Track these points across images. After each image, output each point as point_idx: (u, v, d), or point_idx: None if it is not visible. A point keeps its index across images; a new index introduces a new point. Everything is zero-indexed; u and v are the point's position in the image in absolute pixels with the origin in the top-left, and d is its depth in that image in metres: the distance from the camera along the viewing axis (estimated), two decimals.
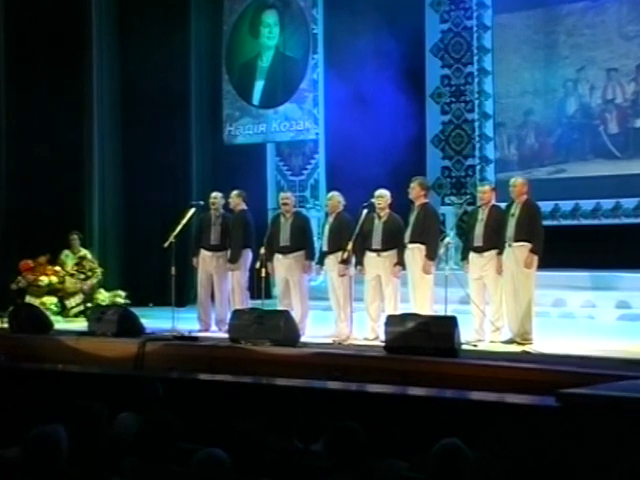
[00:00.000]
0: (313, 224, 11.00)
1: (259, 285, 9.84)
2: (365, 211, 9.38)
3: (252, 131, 14.14)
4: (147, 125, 14.05)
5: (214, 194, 10.61)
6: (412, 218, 9.26)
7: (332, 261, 9.60)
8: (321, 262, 9.81)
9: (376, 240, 9.36)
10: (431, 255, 9.15)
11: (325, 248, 9.70)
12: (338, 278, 9.52)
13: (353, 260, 9.41)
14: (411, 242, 9.20)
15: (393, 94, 12.68)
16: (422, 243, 9.14)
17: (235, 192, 10.48)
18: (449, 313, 8.63)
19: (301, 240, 9.90)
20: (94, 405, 4.57)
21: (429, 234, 9.17)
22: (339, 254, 9.42)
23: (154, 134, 14.08)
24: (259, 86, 14.07)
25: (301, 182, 14.74)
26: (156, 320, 10.62)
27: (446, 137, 14.14)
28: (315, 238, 10.55)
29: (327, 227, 9.73)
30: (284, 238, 9.89)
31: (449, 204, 13.62)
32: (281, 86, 13.82)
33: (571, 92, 12.64)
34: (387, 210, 9.44)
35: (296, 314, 9.45)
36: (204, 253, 10.49)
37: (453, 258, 11.46)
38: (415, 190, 9.32)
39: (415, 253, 9.17)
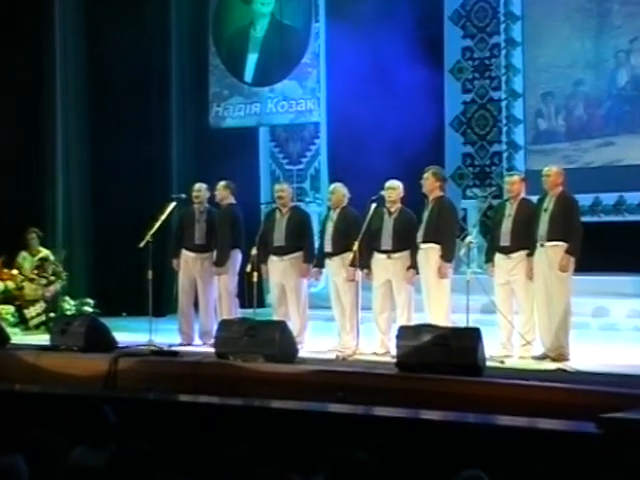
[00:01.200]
0: (313, 221, 10.99)
1: (250, 291, 9.84)
2: (373, 206, 9.37)
3: (243, 112, 14.14)
4: (119, 107, 14.03)
5: (198, 186, 10.61)
6: (426, 214, 9.26)
7: (337, 264, 9.60)
8: (321, 264, 9.81)
9: (386, 240, 9.35)
10: (447, 256, 9.13)
11: (328, 249, 9.68)
12: (344, 284, 9.51)
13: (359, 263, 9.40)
14: (424, 242, 9.20)
15: (406, 69, 12.67)
16: (437, 242, 9.14)
17: (222, 183, 10.48)
18: (471, 324, 8.63)
19: (299, 239, 9.89)
20: (51, 435, 4.57)
21: (445, 232, 9.16)
22: (344, 255, 9.42)
23: (128, 117, 14.05)
24: (252, 60, 14.07)
25: (299, 172, 14.74)
26: (130, 332, 10.62)
27: (468, 119, 14.14)
28: (315, 237, 10.53)
29: (330, 224, 9.72)
30: (279, 237, 9.89)
31: (471, 197, 13.62)
32: (278, 60, 13.81)
33: (623, 63, 13.13)
34: (399, 205, 9.43)
35: (293, 325, 9.45)
36: (186, 254, 10.49)
37: (476, 260, 11.44)
38: (429, 181, 9.31)
39: (429, 254, 9.16)
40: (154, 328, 9.97)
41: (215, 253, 10.35)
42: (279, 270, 9.89)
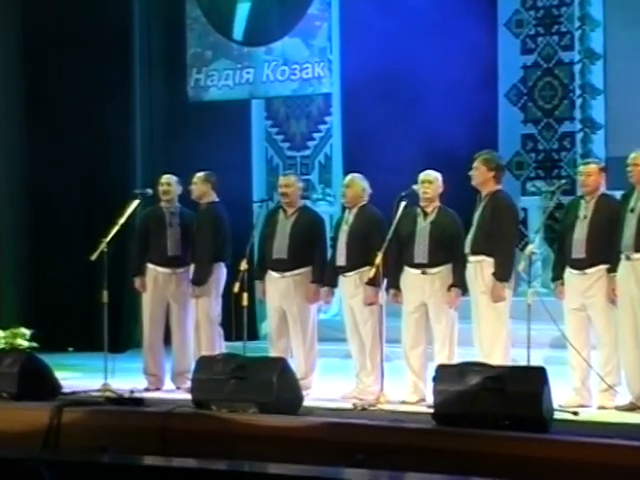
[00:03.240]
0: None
1: (239, 319, 9.85)
2: (403, 204, 9.38)
3: (232, 81, 14.19)
4: (66, 79, 14.06)
5: (166, 178, 10.63)
6: (476, 215, 9.27)
7: (353, 282, 9.61)
8: (332, 283, 9.80)
9: (420, 250, 9.37)
10: (502, 273, 9.12)
11: (341, 261, 9.70)
12: (364, 309, 9.53)
13: (384, 281, 9.41)
14: (473, 253, 9.21)
15: (448, 23, 12.72)
16: (489, 254, 9.14)
17: (200, 175, 10.50)
18: (533, 362, 8.62)
19: (308, 251, 9.91)
20: None
21: (500, 240, 9.16)
22: (363, 271, 9.43)
23: (77, 91, 14.09)
24: (243, 11, 14.12)
25: (305, 159, 14.77)
26: (80, 373, 10.65)
27: (529, 89, 14.15)
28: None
29: (345, 229, 9.74)
30: (281, 247, 9.90)
31: (533, 193, 13.63)
32: (277, 11, 13.86)
33: None
34: (437, 203, 9.46)
35: (297, 364, 9.49)
36: (155, 270, 10.51)
37: (540, 277, 11.44)
38: (479, 172, 9.32)
39: (479, 270, 9.18)
40: (111, 368, 9.99)
41: (192, 268, 10.37)
42: (279, 290, 9.91)
